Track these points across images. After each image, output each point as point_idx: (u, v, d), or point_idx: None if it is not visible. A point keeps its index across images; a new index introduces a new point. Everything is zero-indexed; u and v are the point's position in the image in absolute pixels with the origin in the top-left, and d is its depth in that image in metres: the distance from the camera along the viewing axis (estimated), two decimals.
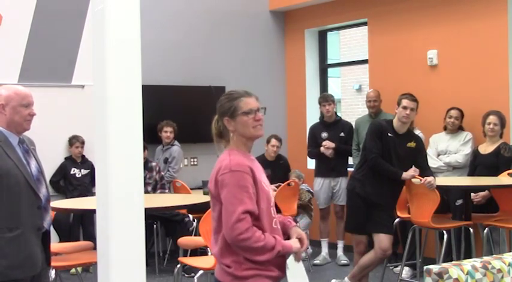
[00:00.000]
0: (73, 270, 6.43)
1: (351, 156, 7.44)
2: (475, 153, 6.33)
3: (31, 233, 3.47)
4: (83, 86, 7.32)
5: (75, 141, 7.28)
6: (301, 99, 8.70)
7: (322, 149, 7.32)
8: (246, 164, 2.86)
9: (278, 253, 2.84)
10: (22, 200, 3.44)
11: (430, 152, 6.53)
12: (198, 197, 6.09)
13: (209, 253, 5.08)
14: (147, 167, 7.03)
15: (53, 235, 6.56)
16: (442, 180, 6.03)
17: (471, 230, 5.79)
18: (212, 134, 3.04)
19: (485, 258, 3.26)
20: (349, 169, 7.36)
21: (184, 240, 5.89)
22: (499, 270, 3.13)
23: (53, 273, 4.82)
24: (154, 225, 7.16)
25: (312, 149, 7.49)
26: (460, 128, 6.63)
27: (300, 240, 2.98)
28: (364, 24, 8.04)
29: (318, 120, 7.67)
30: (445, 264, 3.08)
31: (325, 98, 7.44)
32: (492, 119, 6.19)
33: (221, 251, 2.87)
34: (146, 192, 6.62)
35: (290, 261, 2.92)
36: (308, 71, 8.70)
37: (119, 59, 3.31)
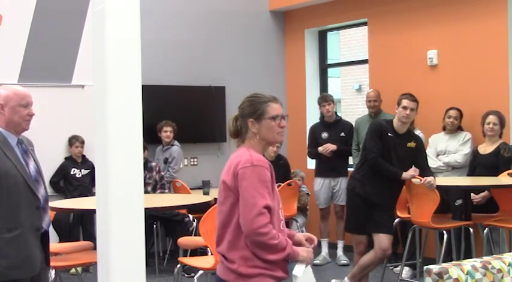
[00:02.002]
0: (73, 270, 6.43)
1: (351, 156, 7.44)
2: (475, 154, 6.33)
3: (30, 234, 3.47)
4: (83, 86, 7.32)
5: (75, 141, 7.27)
6: (301, 99, 8.70)
7: (320, 149, 7.31)
8: (266, 160, 2.93)
9: (287, 256, 2.86)
10: (21, 200, 3.44)
11: (429, 152, 6.53)
12: (198, 197, 6.09)
13: (209, 253, 5.08)
14: (147, 167, 7.03)
15: (53, 235, 6.60)
16: (442, 180, 6.02)
17: (471, 230, 5.79)
18: (228, 131, 3.08)
19: (485, 258, 3.26)
20: (349, 169, 7.37)
21: (184, 240, 5.89)
22: (499, 270, 3.13)
23: (53, 273, 4.82)
24: (154, 225, 7.16)
25: (312, 149, 7.49)
26: (459, 128, 6.64)
27: (310, 239, 3.05)
28: (364, 24, 8.04)
29: (318, 120, 7.67)
30: (445, 264, 3.08)
31: (325, 98, 7.44)
32: (492, 118, 6.19)
33: (229, 245, 2.87)
34: (146, 192, 6.62)
35: (298, 269, 2.90)
36: (308, 71, 8.70)
37: (119, 59, 3.31)
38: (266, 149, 3.05)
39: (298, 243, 3.04)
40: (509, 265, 3.18)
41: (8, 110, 3.51)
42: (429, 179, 5.37)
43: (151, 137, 7.44)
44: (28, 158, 3.58)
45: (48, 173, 6.95)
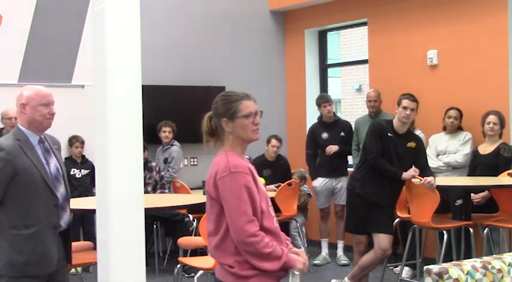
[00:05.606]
0: (73, 270, 6.42)
1: (350, 155, 7.44)
2: (475, 154, 6.33)
3: (47, 231, 3.54)
4: (83, 86, 7.31)
5: (75, 141, 7.28)
6: (301, 99, 8.70)
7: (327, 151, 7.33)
8: (245, 164, 2.86)
9: (284, 264, 2.81)
10: (39, 198, 3.52)
11: (430, 152, 6.52)
12: (198, 197, 6.08)
13: (209, 253, 5.08)
14: (147, 167, 7.03)
15: None
16: (442, 180, 6.02)
17: (471, 230, 5.79)
18: (203, 132, 3.00)
19: (485, 258, 3.26)
20: (349, 169, 7.37)
21: (184, 240, 5.89)
22: (499, 270, 3.13)
23: None
24: (154, 225, 7.16)
25: (311, 152, 7.49)
26: (460, 128, 6.64)
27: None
28: (364, 24, 8.04)
29: (317, 121, 7.65)
30: (445, 264, 3.08)
31: (326, 99, 7.43)
32: (492, 118, 6.19)
33: (222, 253, 2.84)
34: (146, 192, 6.62)
35: None
36: (308, 71, 8.70)
37: (119, 59, 3.31)
38: (245, 147, 2.96)
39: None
40: (509, 265, 3.18)
41: (29, 109, 3.60)
42: (429, 179, 5.37)
43: (151, 137, 7.43)
44: (50, 156, 3.66)
45: None
